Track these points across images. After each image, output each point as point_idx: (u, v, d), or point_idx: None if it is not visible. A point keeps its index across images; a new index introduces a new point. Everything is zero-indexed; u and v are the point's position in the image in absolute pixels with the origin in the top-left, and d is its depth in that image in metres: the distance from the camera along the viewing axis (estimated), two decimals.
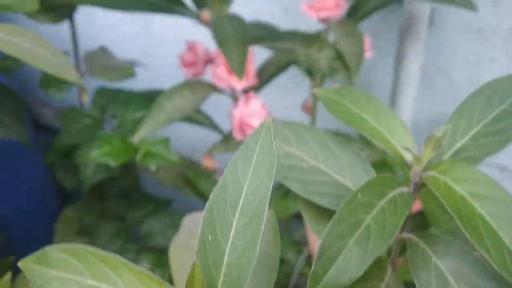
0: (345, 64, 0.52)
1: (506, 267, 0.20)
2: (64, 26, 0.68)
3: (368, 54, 0.65)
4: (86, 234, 0.70)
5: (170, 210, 0.69)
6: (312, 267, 0.23)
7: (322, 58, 0.53)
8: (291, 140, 0.28)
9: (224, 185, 0.21)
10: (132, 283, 0.18)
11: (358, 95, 0.27)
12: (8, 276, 0.44)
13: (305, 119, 0.79)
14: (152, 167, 0.51)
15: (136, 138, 0.50)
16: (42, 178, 1.07)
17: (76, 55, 0.65)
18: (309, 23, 0.77)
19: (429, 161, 0.25)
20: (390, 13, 0.74)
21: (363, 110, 0.26)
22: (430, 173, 0.25)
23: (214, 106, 1.00)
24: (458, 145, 0.27)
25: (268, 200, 0.21)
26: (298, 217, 1.00)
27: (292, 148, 0.27)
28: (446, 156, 0.26)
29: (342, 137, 0.63)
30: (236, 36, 0.48)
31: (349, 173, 0.27)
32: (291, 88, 0.92)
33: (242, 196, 0.20)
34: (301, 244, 0.69)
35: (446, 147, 0.26)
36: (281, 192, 0.75)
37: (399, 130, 0.26)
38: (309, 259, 0.68)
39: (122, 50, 1.05)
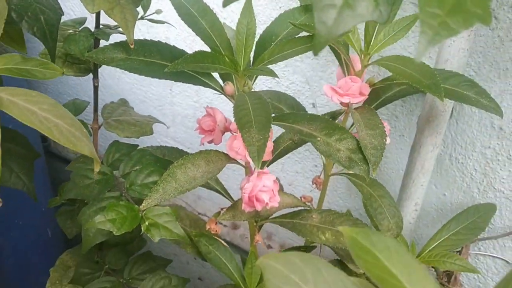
0: (364, 159, 0.52)
1: None
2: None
3: (387, 140, 0.65)
4: (79, 284, 0.69)
5: (169, 273, 0.68)
6: None
7: (342, 149, 0.52)
8: (308, 279, 0.27)
9: None
10: None
11: (389, 244, 0.26)
12: None
13: (314, 192, 0.78)
14: (155, 238, 0.51)
15: (143, 206, 0.50)
16: (47, 209, 1.07)
17: (96, 108, 0.65)
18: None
19: None
20: (410, 99, 0.75)
21: (394, 264, 0.25)
22: None
23: (227, 168, 1.00)
24: None
25: None
26: None
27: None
28: None
29: (351, 221, 0.62)
30: (258, 119, 0.48)
31: None
32: (305, 156, 0.92)
33: None
34: None
35: None
36: None
37: None
38: None
39: (142, 94, 1.06)
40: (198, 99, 0.99)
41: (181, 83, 0.98)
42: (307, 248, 0.77)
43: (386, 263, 0.24)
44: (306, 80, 0.83)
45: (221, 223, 1.14)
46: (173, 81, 1.00)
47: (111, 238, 0.75)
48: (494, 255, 0.78)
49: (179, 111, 1.03)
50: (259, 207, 0.60)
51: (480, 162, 0.72)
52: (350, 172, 0.70)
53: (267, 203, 0.60)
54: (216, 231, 0.69)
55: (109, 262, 0.70)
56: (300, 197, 0.73)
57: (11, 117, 0.56)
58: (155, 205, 0.51)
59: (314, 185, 0.74)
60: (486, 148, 0.71)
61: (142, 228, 0.51)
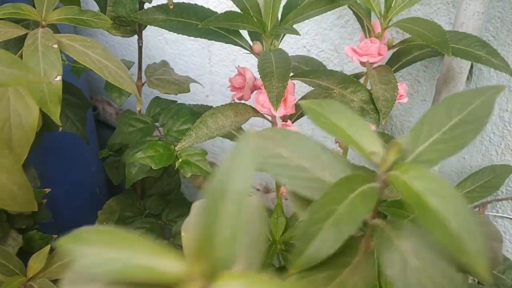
0: (376, 109, 0.57)
1: (452, 248, 0.25)
2: (135, 37, 0.76)
3: (404, 100, 0.69)
4: (123, 225, 0.77)
5: None
6: (296, 245, 0.29)
7: (356, 100, 0.58)
8: (281, 143, 0.33)
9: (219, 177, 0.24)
10: (147, 251, 0.23)
11: (336, 107, 0.32)
12: (47, 248, 0.51)
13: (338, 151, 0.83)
14: (187, 174, 0.57)
15: (178, 147, 0.57)
16: (97, 169, 1.17)
17: (140, 67, 0.73)
18: (356, 64, 0.82)
19: (393, 163, 0.30)
20: (432, 64, 0.78)
21: (339, 120, 0.32)
22: (393, 173, 0.30)
23: (255, 126, 1.06)
24: (419, 149, 0.31)
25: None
26: None
27: (281, 149, 0.33)
28: (407, 160, 0.31)
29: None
30: (278, 70, 0.54)
31: (328, 171, 0.32)
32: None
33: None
34: None
35: (409, 151, 0.31)
36: None
37: (369, 137, 0.32)
38: None
39: (184, 64, 1.14)
40: (235, 69, 1.06)
41: (218, 53, 1.06)
42: None
43: (334, 121, 0.31)
44: (335, 48, 0.88)
45: (254, 187, 1.21)
46: (211, 52, 1.08)
47: (153, 188, 0.83)
48: (511, 216, 0.81)
49: (217, 80, 1.10)
50: None
51: (498, 125, 0.76)
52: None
53: None
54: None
55: (149, 207, 0.79)
56: None
57: (68, 74, 0.65)
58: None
59: (337, 144, 0.79)
60: (504, 111, 0.74)
61: (176, 165, 0.58)
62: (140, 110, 0.69)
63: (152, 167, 0.57)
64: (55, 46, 0.41)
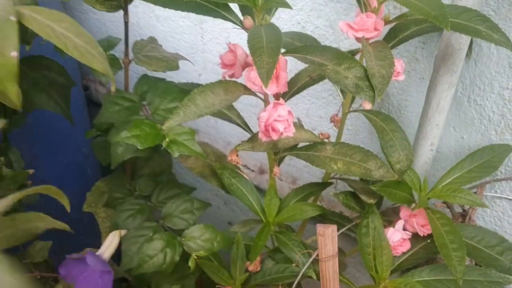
0: (371, 86, 0.54)
1: None
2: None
3: (401, 77, 0.67)
4: (112, 207, 0.75)
5: (192, 197, 0.73)
6: None
7: (350, 76, 0.55)
8: None
9: None
10: None
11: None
12: None
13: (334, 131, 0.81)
14: (175, 154, 0.55)
15: (165, 126, 0.54)
16: (88, 150, 1.15)
17: (127, 43, 0.70)
18: (352, 41, 0.79)
19: None
20: (430, 41, 0.76)
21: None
22: None
23: (250, 105, 1.04)
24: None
25: None
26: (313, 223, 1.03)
27: None
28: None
29: (364, 153, 0.65)
30: (269, 45, 0.51)
31: None
32: (329, 101, 0.94)
33: None
34: (311, 248, 0.72)
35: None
36: (300, 197, 0.78)
37: None
38: (314, 263, 0.71)
39: (175, 42, 1.11)
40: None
41: (211, 30, 1.03)
42: (325, 184, 0.81)
43: None
44: (330, 24, 0.85)
45: (249, 169, 1.19)
46: (204, 29, 1.05)
47: (144, 168, 0.81)
48: (510, 197, 0.79)
49: (210, 58, 1.07)
50: (275, 137, 0.64)
51: (498, 103, 0.73)
52: (366, 108, 0.73)
53: (282, 132, 0.63)
54: (237, 162, 0.74)
55: (139, 188, 0.77)
56: (318, 134, 0.76)
57: (53, 52, 0.62)
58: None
59: (332, 123, 0.77)
60: (504, 89, 0.72)
61: (163, 144, 0.56)
62: (115, 91, 0.66)
63: (138, 147, 0.55)
64: (13, 18, 0.38)
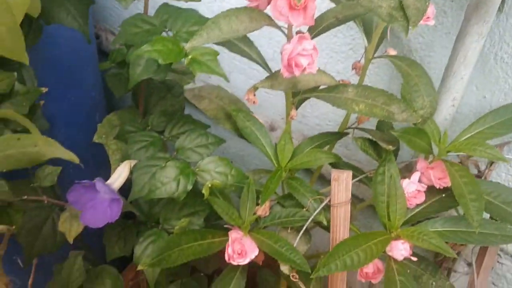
0: (405, 16, 0.52)
1: None
2: None
3: (431, 22, 0.65)
4: (123, 140, 0.74)
5: (207, 131, 0.72)
6: None
7: (384, 6, 0.53)
8: None
9: None
10: None
11: None
12: None
13: (354, 79, 0.79)
14: (196, 72, 0.53)
15: (188, 46, 0.53)
16: (97, 95, 1.13)
17: None
18: None
19: None
20: None
21: None
22: None
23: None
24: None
25: None
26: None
27: None
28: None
29: (387, 96, 0.63)
30: None
31: None
32: (348, 56, 0.92)
33: None
34: (322, 194, 0.71)
35: None
36: (315, 145, 0.77)
37: None
38: (325, 210, 0.70)
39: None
40: None
41: None
42: (340, 134, 0.79)
43: None
44: None
45: None
46: None
47: (156, 107, 0.80)
48: None
49: (227, 7, 1.05)
50: (297, 72, 0.62)
51: None
52: (391, 54, 0.71)
53: (305, 68, 0.62)
54: (254, 102, 0.72)
55: (151, 123, 0.75)
56: (339, 81, 0.74)
57: None
58: None
59: (354, 70, 0.75)
60: None
61: (185, 62, 0.54)
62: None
63: (160, 62, 0.53)
64: None
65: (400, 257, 0.66)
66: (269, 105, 1.11)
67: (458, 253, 0.92)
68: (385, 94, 0.64)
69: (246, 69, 1.10)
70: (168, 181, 0.63)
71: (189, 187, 0.63)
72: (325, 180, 1.05)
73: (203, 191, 0.62)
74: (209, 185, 0.62)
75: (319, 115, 1.03)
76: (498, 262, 0.90)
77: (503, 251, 0.88)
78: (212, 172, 0.66)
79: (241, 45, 0.69)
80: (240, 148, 1.25)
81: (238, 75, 1.13)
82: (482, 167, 0.79)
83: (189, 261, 1.05)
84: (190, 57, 0.54)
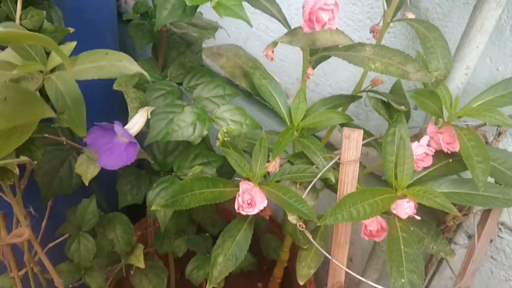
0: None
1: None
2: None
3: None
4: (142, 90, 0.76)
5: (224, 82, 0.74)
6: None
7: None
8: None
9: None
10: None
11: None
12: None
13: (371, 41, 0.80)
14: (221, 15, 0.55)
15: None
16: (116, 42, 1.15)
17: None
18: None
19: None
20: None
21: None
22: None
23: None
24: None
25: None
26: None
27: None
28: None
29: (403, 56, 0.65)
30: None
31: None
32: (365, 25, 0.93)
33: None
34: (330, 152, 0.73)
35: None
36: (328, 106, 0.79)
37: None
38: (335, 168, 0.72)
39: None
40: None
41: None
42: (353, 97, 0.81)
43: None
44: None
45: None
46: None
47: (175, 61, 0.81)
48: None
49: None
50: (317, 27, 0.64)
51: None
52: (409, 17, 0.72)
53: (325, 23, 0.63)
54: (271, 58, 0.74)
55: (170, 75, 0.77)
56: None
57: None
58: None
59: (372, 34, 0.77)
60: None
61: (211, 4, 0.56)
62: None
63: (187, 3, 0.55)
64: None
65: (404, 215, 0.68)
66: (283, 73, 1.13)
67: (460, 225, 0.94)
68: (401, 54, 0.66)
69: (263, 36, 1.12)
70: (185, 125, 0.65)
71: (205, 132, 0.65)
72: (334, 149, 1.07)
73: (218, 136, 0.64)
74: (225, 131, 0.64)
75: (332, 84, 1.04)
76: (498, 236, 0.92)
77: (504, 225, 0.90)
78: (228, 120, 0.68)
79: (263, 1, 0.71)
80: None
81: (255, 41, 1.15)
82: (490, 139, 0.80)
83: (196, 220, 1.08)
84: (216, 0, 0.56)
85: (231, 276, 1.17)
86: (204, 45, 0.86)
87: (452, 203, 0.64)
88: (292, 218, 0.69)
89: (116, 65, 0.49)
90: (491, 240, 0.92)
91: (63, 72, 0.45)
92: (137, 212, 1.06)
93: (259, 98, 0.79)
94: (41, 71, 0.47)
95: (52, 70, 0.48)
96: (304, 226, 0.68)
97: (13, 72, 0.42)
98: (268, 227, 1.21)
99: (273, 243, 1.15)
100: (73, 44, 0.50)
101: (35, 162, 0.65)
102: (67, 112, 0.45)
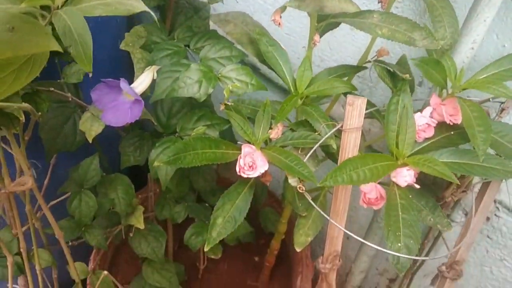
0: None
1: None
2: None
3: None
4: (149, 51, 0.76)
5: (231, 44, 0.74)
6: None
7: None
8: None
9: None
10: None
11: None
12: None
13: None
14: None
15: None
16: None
17: None
18: None
19: None
20: None
21: None
22: None
23: None
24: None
25: None
26: None
27: None
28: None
29: (410, 24, 0.65)
30: None
31: None
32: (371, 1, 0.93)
33: None
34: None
35: None
36: (333, 76, 0.79)
37: None
38: (337, 136, 0.72)
39: None
40: None
41: None
42: (359, 67, 0.81)
43: None
44: None
45: None
46: None
47: (181, 26, 0.82)
48: None
49: None
50: None
51: None
52: None
53: None
54: (279, 24, 0.74)
55: (177, 36, 0.78)
56: None
57: None
58: None
59: (380, 4, 0.77)
60: None
61: None
62: None
63: None
64: None
65: (403, 183, 0.68)
66: (289, 47, 1.13)
67: (457, 202, 0.95)
68: (408, 22, 0.66)
69: (270, 9, 1.12)
70: (191, 83, 0.66)
71: (211, 90, 0.66)
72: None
73: (224, 93, 0.64)
74: (230, 88, 0.64)
75: (338, 59, 1.04)
76: (495, 215, 0.93)
77: (502, 203, 0.91)
78: (234, 79, 0.68)
79: None
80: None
81: (262, 15, 1.14)
82: (493, 115, 0.81)
83: (196, 189, 1.08)
84: None
85: (228, 248, 1.19)
86: (212, 11, 0.87)
87: (456, 173, 0.65)
88: (292, 181, 0.69)
89: (123, 2, 0.49)
90: (488, 218, 0.93)
91: (71, 8, 0.46)
92: (139, 179, 1.07)
93: (265, 65, 0.79)
94: (49, 6, 0.47)
95: (60, 7, 0.48)
96: (304, 188, 0.69)
97: (21, 6, 0.42)
98: (267, 202, 1.22)
99: (272, 216, 1.16)
100: None
101: (40, 113, 0.66)
102: (74, 47, 0.46)
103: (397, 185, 0.69)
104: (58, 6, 0.45)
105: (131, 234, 0.90)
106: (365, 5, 0.95)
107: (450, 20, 0.65)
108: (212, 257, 1.07)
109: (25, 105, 0.56)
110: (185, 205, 0.99)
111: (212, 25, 0.87)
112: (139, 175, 1.07)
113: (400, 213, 0.65)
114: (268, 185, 0.83)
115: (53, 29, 0.47)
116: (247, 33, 0.82)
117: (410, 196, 0.69)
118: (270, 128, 0.75)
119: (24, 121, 0.59)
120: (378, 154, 0.68)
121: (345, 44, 1.02)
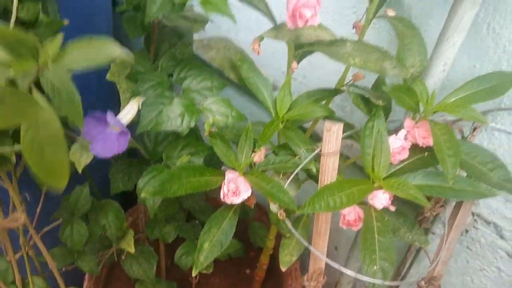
0: None
1: None
2: None
3: None
4: (134, 81, 0.79)
5: (212, 75, 0.77)
6: None
7: None
8: None
9: None
10: None
11: None
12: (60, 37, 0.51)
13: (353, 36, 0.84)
14: (207, 10, 0.58)
15: None
16: (110, 34, 1.17)
17: None
18: None
19: None
20: None
21: None
22: None
23: None
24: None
25: None
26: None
27: None
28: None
29: (381, 53, 0.68)
30: None
31: None
32: (350, 20, 0.96)
33: None
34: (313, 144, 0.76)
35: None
36: (312, 99, 0.82)
37: None
38: (317, 160, 0.75)
39: None
40: None
41: None
42: (336, 91, 0.84)
43: None
44: None
45: None
46: None
47: (166, 54, 0.84)
48: (508, 130, 0.83)
49: None
50: (300, 24, 0.67)
51: None
52: (389, 14, 0.76)
53: (307, 19, 0.67)
54: (258, 52, 0.77)
55: (161, 66, 0.80)
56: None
57: None
58: None
59: (355, 30, 0.80)
60: None
61: (198, 0, 0.59)
62: None
63: (175, 0, 0.58)
64: None
65: (379, 206, 0.71)
66: (273, 65, 1.16)
67: (437, 215, 0.98)
68: (380, 51, 0.69)
69: (255, 29, 1.15)
70: (174, 116, 0.69)
71: (193, 124, 0.68)
72: (319, 139, 1.10)
73: (205, 127, 0.67)
74: (210, 122, 0.67)
75: (320, 76, 1.07)
76: (474, 227, 0.96)
77: (480, 216, 0.94)
78: (215, 111, 0.71)
79: None
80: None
81: (246, 34, 1.18)
82: (467, 133, 0.84)
83: (186, 208, 1.11)
84: None
85: (219, 262, 1.22)
86: (196, 37, 0.89)
87: (428, 195, 0.68)
88: (273, 207, 0.72)
89: (102, 50, 0.51)
90: (467, 231, 0.96)
91: (55, 68, 0.48)
92: (129, 200, 1.10)
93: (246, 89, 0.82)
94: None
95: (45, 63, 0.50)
96: (284, 215, 0.72)
97: (10, 71, 0.45)
98: (256, 215, 1.25)
99: (260, 231, 1.19)
100: (60, 36, 0.52)
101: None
102: (64, 107, 0.48)
103: (373, 207, 0.72)
104: (43, 68, 0.48)
105: (123, 257, 0.92)
106: (343, 27, 0.98)
107: (419, 48, 0.68)
108: (204, 272, 1.10)
109: (17, 148, 0.59)
110: (175, 225, 1.02)
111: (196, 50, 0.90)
112: (130, 193, 1.10)
113: (376, 236, 0.68)
114: (256, 198, 0.86)
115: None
116: (229, 58, 0.85)
117: (387, 218, 0.73)
118: (253, 151, 0.78)
119: (15, 161, 0.62)
120: (354, 179, 0.71)
121: (326, 63, 1.05)
